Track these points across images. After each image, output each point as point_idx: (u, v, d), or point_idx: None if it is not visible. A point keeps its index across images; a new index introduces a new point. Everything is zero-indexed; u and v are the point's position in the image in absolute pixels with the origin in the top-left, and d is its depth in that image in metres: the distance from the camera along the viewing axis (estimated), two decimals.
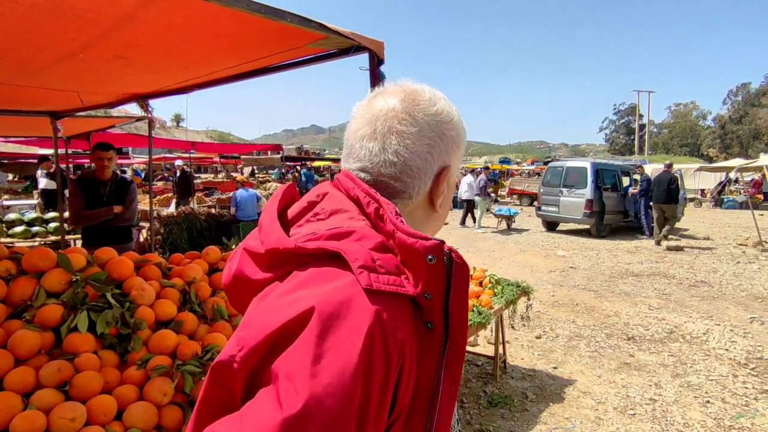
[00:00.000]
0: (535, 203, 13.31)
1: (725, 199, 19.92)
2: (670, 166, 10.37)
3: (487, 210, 12.97)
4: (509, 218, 12.73)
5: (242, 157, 21.45)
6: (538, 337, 4.63)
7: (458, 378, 0.58)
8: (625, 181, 12.09)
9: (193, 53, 2.24)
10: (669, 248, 9.40)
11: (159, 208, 9.50)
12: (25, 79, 2.68)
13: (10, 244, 4.53)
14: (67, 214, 4.27)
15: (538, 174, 24.37)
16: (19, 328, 1.52)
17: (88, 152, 10.41)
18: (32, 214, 5.98)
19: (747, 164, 12.83)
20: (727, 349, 4.33)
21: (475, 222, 12.70)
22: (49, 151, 8.20)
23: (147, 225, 5.62)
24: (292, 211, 0.66)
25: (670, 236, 9.80)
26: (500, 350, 3.69)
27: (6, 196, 10.03)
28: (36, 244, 5.20)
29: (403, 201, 0.65)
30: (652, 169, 16.22)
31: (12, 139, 10.08)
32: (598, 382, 3.68)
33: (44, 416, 1.31)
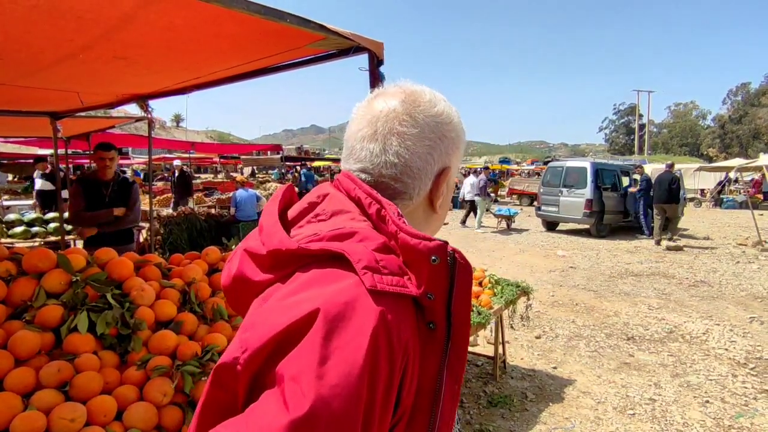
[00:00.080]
0: (535, 203, 13.31)
1: (725, 199, 19.92)
2: (671, 165, 10.37)
3: (487, 210, 12.98)
4: (509, 218, 12.73)
5: (242, 157, 21.47)
6: (537, 337, 4.63)
7: (461, 378, 0.58)
8: (625, 181, 12.10)
9: (192, 54, 2.24)
10: (669, 248, 9.40)
11: (159, 209, 9.50)
12: (25, 79, 2.68)
13: (10, 245, 4.53)
14: (66, 214, 4.26)
15: (538, 174, 24.39)
16: (19, 328, 1.52)
17: (88, 152, 10.42)
18: (32, 215, 5.96)
19: (747, 164, 12.85)
20: (726, 349, 4.34)
21: (476, 221, 12.72)
22: (49, 152, 8.19)
23: (147, 225, 5.61)
24: (292, 212, 0.65)
25: (674, 237, 9.79)
26: (500, 350, 3.69)
27: (6, 197, 10.03)
28: (36, 244, 5.19)
29: (403, 202, 0.65)
30: (652, 168, 16.24)
31: (12, 139, 10.08)
32: (597, 382, 3.68)
33: (44, 417, 1.31)
